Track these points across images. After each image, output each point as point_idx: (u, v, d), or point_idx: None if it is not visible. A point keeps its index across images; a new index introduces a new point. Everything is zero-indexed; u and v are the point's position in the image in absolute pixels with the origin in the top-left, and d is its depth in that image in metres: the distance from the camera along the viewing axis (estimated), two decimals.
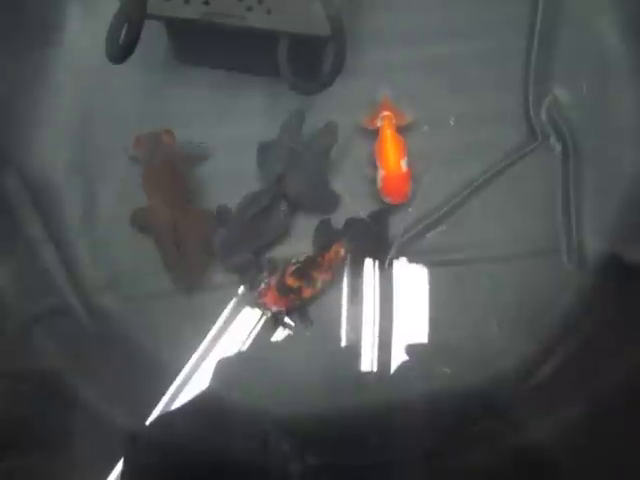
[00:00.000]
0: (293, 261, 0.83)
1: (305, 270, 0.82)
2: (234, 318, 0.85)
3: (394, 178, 0.87)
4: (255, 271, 0.86)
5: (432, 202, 0.89)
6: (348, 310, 0.85)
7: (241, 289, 0.86)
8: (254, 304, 0.84)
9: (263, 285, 0.84)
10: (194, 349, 0.83)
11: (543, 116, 0.93)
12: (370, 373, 0.82)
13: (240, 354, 0.83)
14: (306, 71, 0.86)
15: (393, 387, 0.82)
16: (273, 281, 0.83)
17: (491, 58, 0.96)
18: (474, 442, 0.75)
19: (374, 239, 0.88)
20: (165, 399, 0.81)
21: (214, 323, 0.84)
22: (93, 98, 0.95)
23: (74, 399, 0.78)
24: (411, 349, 0.83)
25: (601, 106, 0.93)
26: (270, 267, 0.85)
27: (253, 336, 0.84)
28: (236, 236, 0.86)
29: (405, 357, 0.83)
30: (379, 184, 0.87)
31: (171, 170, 0.87)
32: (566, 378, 0.80)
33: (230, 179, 0.90)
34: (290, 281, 0.82)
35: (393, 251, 0.87)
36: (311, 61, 0.90)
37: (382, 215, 0.89)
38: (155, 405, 0.80)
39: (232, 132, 0.92)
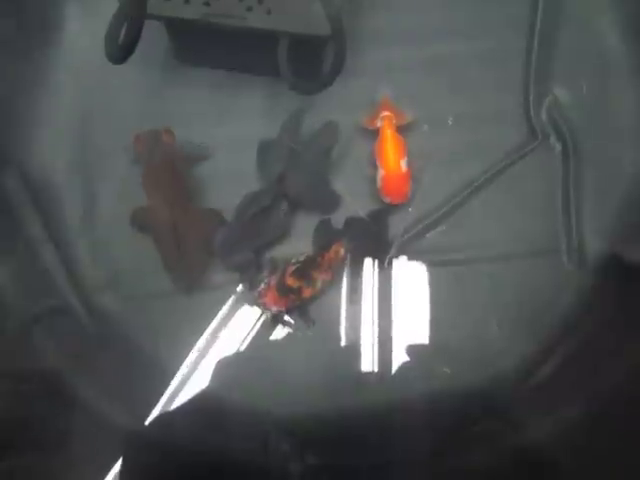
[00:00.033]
0: (293, 261, 0.83)
1: (305, 270, 0.82)
2: (233, 317, 0.85)
3: (394, 178, 0.87)
4: (255, 270, 0.86)
5: (432, 202, 0.89)
6: (348, 310, 0.85)
7: (240, 288, 0.86)
8: (254, 303, 0.84)
9: (263, 285, 0.84)
10: (194, 348, 0.83)
11: (543, 116, 0.93)
12: (370, 373, 0.82)
13: (240, 354, 0.83)
14: (306, 71, 0.86)
15: (393, 387, 0.82)
16: (273, 281, 0.83)
17: (491, 58, 0.96)
18: (474, 442, 0.75)
19: (374, 239, 0.88)
20: (165, 398, 0.81)
21: (214, 323, 0.84)
22: (93, 98, 0.95)
23: (74, 399, 0.78)
24: (411, 349, 0.83)
25: (601, 106, 0.93)
26: (270, 266, 0.85)
27: (253, 336, 0.84)
28: (236, 235, 0.86)
29: (405, 357, 0.83)
30: (379, 184, 0.87)
31: (171, 169, 0.87)
32: (566, 378, 0.79)
33: (230, 179, 0.90)
34: (290, 281, 0.82)
35: (393, 251, 0.87)
36: (311, 61, 0.90)
37: (382, 215, 0.89)
38: (155, 404, 0.80)
39: (232, 132, 0.92)
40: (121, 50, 0.76)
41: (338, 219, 0.88)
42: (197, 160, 0.91)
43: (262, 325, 0.84)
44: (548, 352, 0.82)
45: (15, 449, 0.73)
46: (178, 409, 0.79)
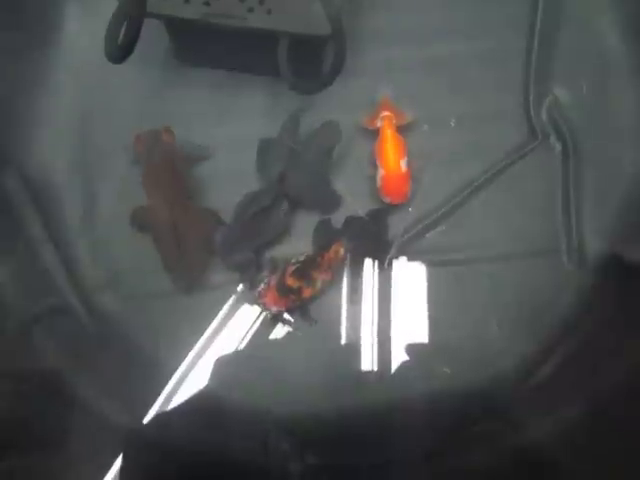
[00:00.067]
0: (293, 261, 0.83)
1: (305, 270, 0.82)
2: (233, 317, 0.85)
3: (394, 178, 0.87)
4: (255, 269, 0.86)
5: (432, 202, 0.89)
6: (348, 310, 0.85)
7: (240, 288, 0.86)
8: (254, 303, 0.84)
9: (263, 285, 0.84)
10: (194, 348, 0.83)
11: (543, 116, 0.93)
12: (370, 373, 0.82)
13: (239, 353, 0.83)
14: (306, 71, 0.86)
15: (393, 387, 0.82)
16: (273, 281, 0.83)
17: (491, 58, 0.96)
18: (474, 442, 0.75)
19: (373, 239, 0.88)
20: (165, 398, 0.81)
21: (213, 322, 0.84)
22: (93, 98, 0.95)
23: (74, 398, 0.78)
24: (411, 349, 0.83)
25: (601, 106, 0.93)
26: (270, 266, 0.85)
27: (252, 335, 0.84)
28: (237, 234, 0.86)
29: (405, 357, 0.83)
30: (379, 184, 0.87)
31: (171, 168, 0.87)
32: (566, 378, 0.79)
33: (230, 179, 0.90)
34: (290, 281, 0.82)
35: (393, 251, 0.87)
36: (311, 61, 0.90)
37: (381, 215, 0.89)
38: (155, 404, 0.80)
39: (232, 132, 0.92)
40: (121, 49, 0.77)
41: (338, 219, 0.88)
42: (197, 160, 0.91)
43: (262, 324, 0.84)
44: (548, 352, 0.82)
45: (15, 449, 0.73)
46: (178, 408, 0.79)
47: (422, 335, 0.84)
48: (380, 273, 0.86)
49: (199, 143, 0.92)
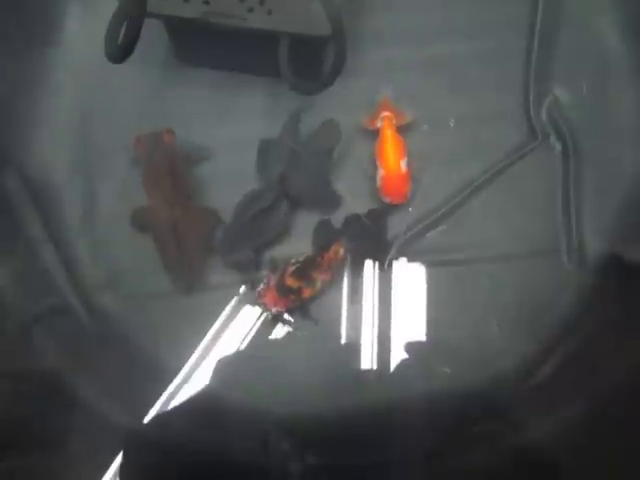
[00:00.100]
0: (293, 261, 0.83)
1: (305, 270, 0.82)
2: (234, 317, 0.85)
3: (394, 178, 0.87)
4: (255, 269, 0.86)
5: (432, 202, 0.89)
6: (348, 310, 0.85)
7: (241, 288, 0.86)
8: (254, 302, 0.84)
9: (263, 285, 0.84)
10: (194, 348, 0.83)
11: (543, 116, 0.93)
12: (370, 372, 0.82)
13: (239, 353, 0.83)
14: (306, 71, 0.86)
15: (393, 387, 0.82)
16: (272, 281, 0.83)
17: (491, 58, 0.96)
18: (474, 442, 0.74)
19: (373, 239, 0.88)
20: (165, 398, 0.81)
21: (214, 322, 0.84)
22: (93, 97, 0.95)
23: (74, 398, 0.78)
24: (411, 349, 0.83)
25: (601, 106, 0.93)
26: (270, 266, 0.85)
27: (253, 335, 0.84)
28: (237, 234, 0.86)
29: (405, 357, 0.82)
30: (379, 184, 0.87)
31: (171, 169, 0.86)
32: (566, 378, 0.79)
33: (230, 179, 0.90)
34: (290, 281, 0.82)
35: (393, 251, 0.87)
36: (311, 61, 0.90)
37: (382, 215, 0.89)
38: (155, 404, 0.80)
39: (232, 132, 0.92)
40: (121, 49, 0.76)
41: (338, 219, 0.88)
42: (197, 160, 0.91)
43: (262, 324, 0.84)
44: (548, 352, 0.82)
45: (15, 449, 0.73)
46: (178, 408, 0.79)
47: (422, 335, 0.84)
48: (380, 273, 0.86)
49: (199, 143, 0.92)
